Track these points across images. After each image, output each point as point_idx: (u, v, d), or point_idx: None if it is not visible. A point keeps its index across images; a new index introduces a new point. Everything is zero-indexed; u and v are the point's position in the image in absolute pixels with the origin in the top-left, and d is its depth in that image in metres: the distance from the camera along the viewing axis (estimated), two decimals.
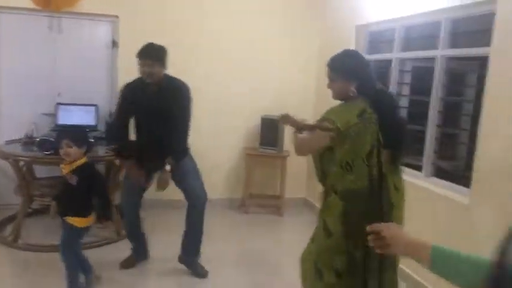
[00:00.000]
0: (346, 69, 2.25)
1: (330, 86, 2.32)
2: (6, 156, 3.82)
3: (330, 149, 2.22)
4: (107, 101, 4.84)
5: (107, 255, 3.73)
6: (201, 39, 4.88)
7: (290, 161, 4.98)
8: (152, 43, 3.30)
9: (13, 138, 4.30)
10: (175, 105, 3.23)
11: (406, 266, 3.39)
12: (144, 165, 3.31)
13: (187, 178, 3.37)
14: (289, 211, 5.16)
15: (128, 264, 3.56)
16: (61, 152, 2.89)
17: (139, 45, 4.60)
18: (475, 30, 3.24)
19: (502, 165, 2.67)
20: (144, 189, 3.49)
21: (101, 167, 4.34)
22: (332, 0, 4.91)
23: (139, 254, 3.65)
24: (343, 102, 2.31)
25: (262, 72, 5.10)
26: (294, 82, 5.20)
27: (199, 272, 3.47)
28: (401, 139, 2.30)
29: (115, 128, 3.54)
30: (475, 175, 2.89)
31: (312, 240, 2.40)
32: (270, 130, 4.93)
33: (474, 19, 3.15)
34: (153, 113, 3.25)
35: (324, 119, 2.24)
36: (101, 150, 4.06)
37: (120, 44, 4.75)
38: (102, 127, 4.61)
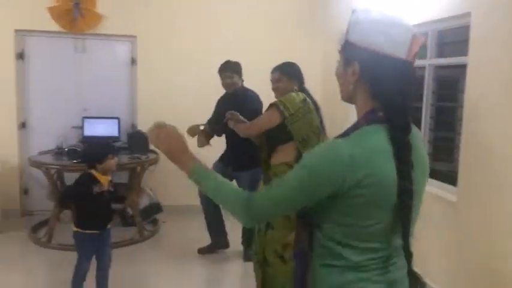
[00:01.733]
0: (293, 73, 3.00)
1: (277, 85, 3.00)
2: (39, 165, 4.28)
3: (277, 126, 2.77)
4: (128, 114, 5.28)
5: (132, 253, 4.12)
6: (210, 54, 5.20)
7: None
8: (228, 60, 3.89)
9: (45, 149, 4.76)
10: (242, 111, 3.34)
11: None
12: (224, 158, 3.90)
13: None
14: None
15: (206, 250, 4.03)
16: (108, 164, 2.96)
17: (156, 62, 5.05)
18: (459, 40, 3.53)
19: (484, 163, 2.93)
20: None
21: (124, 174, 4.77)
22: (330, 10, 5.22)
23: (220, 243, 4.05)
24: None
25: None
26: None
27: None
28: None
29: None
30: (461, 174, 3.16)
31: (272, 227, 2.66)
32: None
33: (457, 30, 3.44)
34: (221, 112, 3.61)
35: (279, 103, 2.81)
36: (124, 159, 4.46)
37: (138, 61, 5.18)
38: (124, 138, 5.03)
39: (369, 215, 1.12)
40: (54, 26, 4.91)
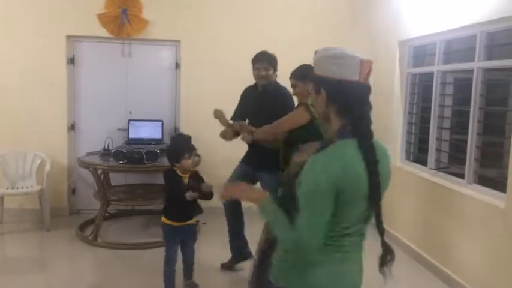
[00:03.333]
0: (303, 74, 2.94)
1: (295, 91, 3.05)
2: (87, 166, 4.44)
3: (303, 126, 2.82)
4: (172, 117, 5.40)
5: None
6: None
7: None
8: (266, 51, 3.68)
9: (92, 150, 4.94)
10: (273, 108, 3.37)
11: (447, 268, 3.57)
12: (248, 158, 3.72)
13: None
14: None
15: (227, 266, 3.83)
16: (190, 161, 3.14)
17: (199, 66, 5.11)
18: (510, 42, 3.41)
19: None
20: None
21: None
22: (375, 16, 5.17)
23: (242, 254, 3.81)
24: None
25: None
26: None
27: None
28: None
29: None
30: (510, 180, 3.04)
31: None
32: None
33: (507, 32, 3.32)
34: (255, 113, 3.62)
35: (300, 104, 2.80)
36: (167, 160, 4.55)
37: (182, 65, 5.30)
38: (166, 140, 5.15)
39: (351, 204, 1.45)
40: (102, 32, 5.11)
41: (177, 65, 5.35)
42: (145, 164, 4.32)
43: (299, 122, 2.85)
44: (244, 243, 3.83)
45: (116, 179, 5.10)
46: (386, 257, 1.51)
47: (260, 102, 3.62)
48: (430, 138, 4.18)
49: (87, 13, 5.03)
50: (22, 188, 4.79)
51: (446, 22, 3.82)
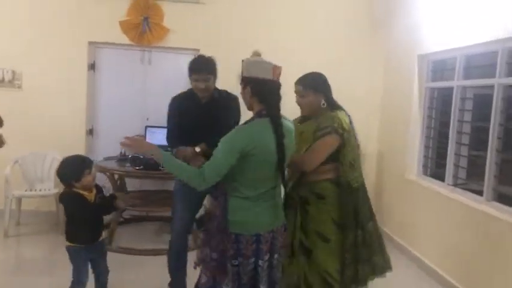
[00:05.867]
0: (318, 85, 2.74)
1: (301, 100, 2.76)
2: (104, 170, 4.49)
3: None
4: None
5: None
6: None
7: None
8: (203, 55, 3.26)
9: (110, 155, 5.00)
10: (225, 115, 3.14)
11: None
12: None
13: None
14: None
15: None
16: (86, 180, 2.82)
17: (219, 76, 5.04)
18: None
19: None
20: (200, 203, 3.28)
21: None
22: (394, 31, 5.16)
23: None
24: (329, 112, 2.69)
25: None
26: (360, 109, 5.46)
27: None
28: None
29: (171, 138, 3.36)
30: None
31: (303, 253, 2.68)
32: None
33: None
34: (202, 124, 3.12)
35: (326, 126, 2.61)
36: None
37: None
38: None
39: (260, 168, 2.15)
40: (123, 39, 5.19)
41: None
42: (161, 170, 4.35)
43: (332, 149, 2.61)
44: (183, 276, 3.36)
45: (131, 184, 5.15)
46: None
47: (207, 112, 3.18)
48: (449, 153, 4.14)
49: (109, 20, 5.13)
50: (40, 190, 4.86)
51: (468, 37, 3.79)
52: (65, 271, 2.94)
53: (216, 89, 3.26)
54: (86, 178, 2.78)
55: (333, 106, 2.74)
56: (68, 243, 2.87)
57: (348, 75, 5.34)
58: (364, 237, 2.68)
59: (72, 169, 2.79)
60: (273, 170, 2.17)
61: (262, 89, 2.18)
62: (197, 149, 3.06)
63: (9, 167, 4.74)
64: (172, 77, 5.43)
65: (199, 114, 3.18)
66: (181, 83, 5.43)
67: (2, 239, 4.53)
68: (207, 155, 2.79)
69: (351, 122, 2.72)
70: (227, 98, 3.29)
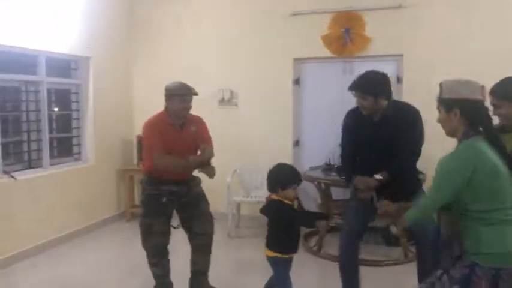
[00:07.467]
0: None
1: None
2: (312, 180, 4.69)
3: None
4: None
5: (393, 275, 4.07)
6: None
7: None
8: (369, 72, 3.06)
9: (315, 165, 5.20)
10: (399, 135, 2.91)
11: None
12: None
13: None
14: None
15: None
16: (288, 193, 2.86)
17: (422, 81, 4.83)
18: None
19: None
20: (367, 221, 3.16)
21: None
22: None
23: None
24: None
25: None
26: None
27: None
28: None
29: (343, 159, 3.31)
30: None
31: None
32: None
33: None
34: (373, 145, 2.99)
35: None
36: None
37: (404, 80, 5.16)
38: None
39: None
40: (325, 52, 5.37)
41: (399, 79, 5.22)
42: None
43: None
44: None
45: (336, 193, 5.23)
46: None
47: (378, 132, 2.97)
48: None
49: (311, 36, 5.37)
50: (255, 197, 5.35)
51: None
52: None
53: (393, 102, 3.02)
54: (289, 191, 2.83)
55: None
56: (271, 253, 2.92)
57: None
58: None
59: (283, 177, 2.87)
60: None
61: (473, 110, 2.00)
62: (377, 177, 2.90)
63: (230, 175, 5.34)
64: None
65: (371, 135, 2.98)
66: None
67: (226, 239, 5.12)
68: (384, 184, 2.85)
69: None
70: (405, 113, 3.00)
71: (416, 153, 3.01)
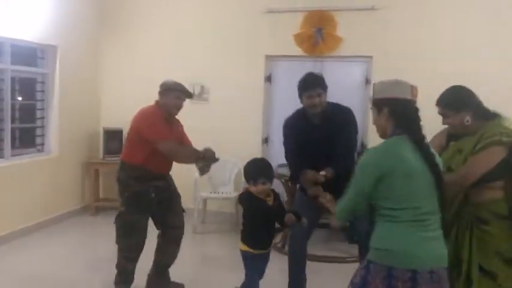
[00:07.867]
0: (459, 103, 2.41)
1: (446, 121, 2.48)
2: (278, 177, 4.71)
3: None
4: (360, 132, 5.34)
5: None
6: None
7: None
8: (312, 72, 3.33)
9: (283, 162, 5.20)
10: (341, 132, 3.17)
11: None
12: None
13: None
14: None
15: None
16: (259, 188, 2.88)
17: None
18: None
19: None
20: (315, 223, 3.33)
21: None
22: None
23: None
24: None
25: None
26: None
27: None
28: None
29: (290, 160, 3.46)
30: None
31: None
32: None
33: None
34: (319, 143, 3.16)
35: (493, 142, 2.27)
36: None
37: (372, 81, 5.24)
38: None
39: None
40: (297, 51, 5.40)
41: (367, 81, 5.31)
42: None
43: (494, 162, 2.28)
44: None
45: None
46: None
47: (323, 130, 3.17)
48: None
49: (284, 34, 5.40)
50: (222, 193, 5.35)
51: None
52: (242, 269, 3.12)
53: (329, 103, 3.27)
54: (259, 186, 2.85)
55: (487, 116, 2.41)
56: (242, 247, 2.94)
57: None
58: None
59: (252, 171, 2.91)
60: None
61: (401, 109, 1.98)
62: (322, 173, 3.03)
63: (197, 170, 5.30)
64: (344, 86, 5.43)
65: (314, 136, 3.17)
66: (353, 91, 5.42)
67: (191, 234, 5.09)
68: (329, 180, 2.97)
69: None
70: (341, 112, 3.27)
71: (355, 149, 3.31)
